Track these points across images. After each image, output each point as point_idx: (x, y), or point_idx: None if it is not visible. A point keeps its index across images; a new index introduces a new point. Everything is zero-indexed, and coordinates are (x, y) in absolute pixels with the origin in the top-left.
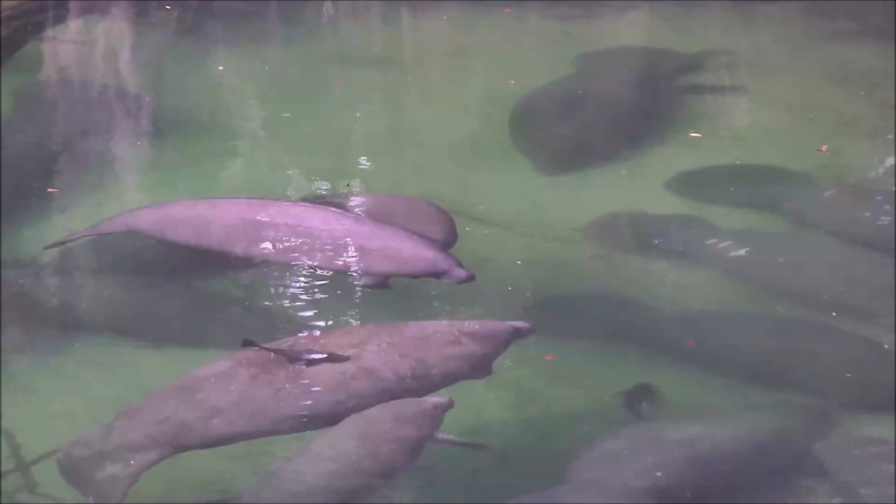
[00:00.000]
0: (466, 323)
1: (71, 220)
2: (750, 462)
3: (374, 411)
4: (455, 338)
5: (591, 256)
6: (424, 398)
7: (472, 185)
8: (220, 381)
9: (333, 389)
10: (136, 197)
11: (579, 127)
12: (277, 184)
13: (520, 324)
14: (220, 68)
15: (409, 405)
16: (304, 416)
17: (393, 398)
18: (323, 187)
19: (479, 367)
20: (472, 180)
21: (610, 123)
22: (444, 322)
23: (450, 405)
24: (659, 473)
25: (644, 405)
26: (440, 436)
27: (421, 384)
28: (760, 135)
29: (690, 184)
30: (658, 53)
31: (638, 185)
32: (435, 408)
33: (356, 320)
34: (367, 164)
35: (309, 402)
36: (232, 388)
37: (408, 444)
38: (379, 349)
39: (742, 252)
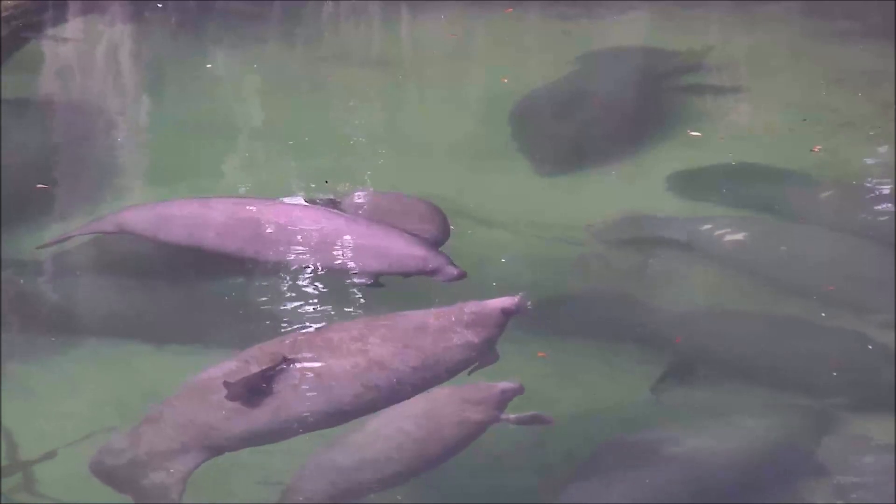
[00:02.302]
0: (452, 308)
1: (71, 222)
2: (749, 463)
3: (444, 393)
4: (448, 324)
5: (590, 256)
6: (494, 383)
7: (471, 185)
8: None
9: (350, 383)
10: (134, 197)
11: (579, 127)
12: (275, 183)
13: (505, 300)
14: (209, 66)
15: (477, 389)
16: (327, 411)
17: (408, 389)
18: (319, 187)
19: (484, 351)
20: (471, 180)
21: (609, 123)
22: (430, 310)
23: (519, 390)
24: (657, 480)
25: (677, 383)
26: (504, 416)
27: (432, 373)
28: (760, 134)
29: (690, 183)
30: (658, 53)
31: (637, 185)
32: (503, 392)
33: (350, 318)
34: (366, 164)
35: (329, 398)
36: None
37: (470, 427)
38: (382, 342)
39: (742, 251)
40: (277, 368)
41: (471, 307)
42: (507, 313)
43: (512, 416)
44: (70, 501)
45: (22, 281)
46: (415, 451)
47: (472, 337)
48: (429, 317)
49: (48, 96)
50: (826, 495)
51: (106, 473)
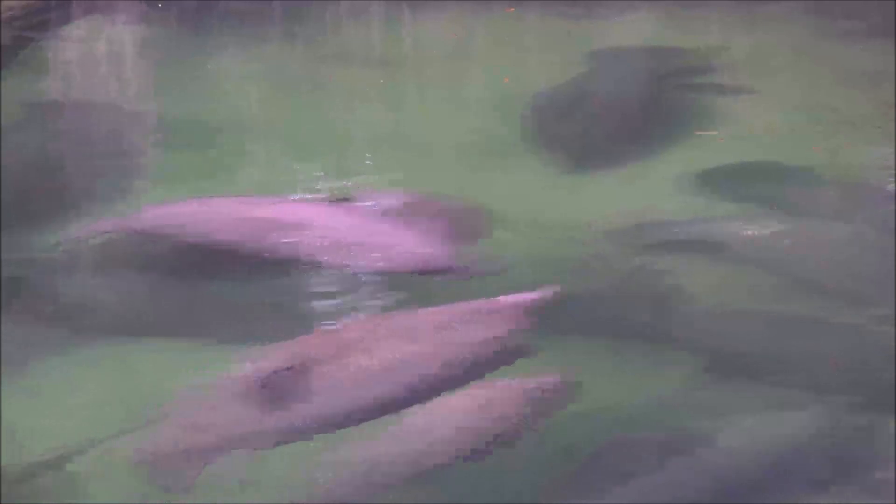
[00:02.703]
0: (475, 303)
1: (82, 221)
2: (758, 463)
3: (488, 386)
4: (474, 320)
5: (599, 255)
6: (546, 377)
7: (478, 185)
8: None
9: (381, 382)
10: (142, 197)
11: (588, 127)
12: (282, 183)
13: (530, 295)
14: (208, 66)
15: (528, 383)
16: (360, 409)
17: (437, 386)
18: (331, 186)
19: (511, 346)
20: (478, 180)
21: (618, 124)
22: (454, 305)
23: (569, 385)
24: (660, 480)
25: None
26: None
27: (461, 370)
28: (766, 133)
29: (698, 183)
30: (667, 53)
31: (646, 185)
32: (548, 386)
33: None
34: (373, 163)
35: (359, 396)
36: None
37: (522, 420)
38: (409, 339)
39: (752, 247)
40: (279, 374)
41: (495, 303)
42: (531, 308)
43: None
44: (72, 501)
45: (29, 279)
46: (460, 442)
47: (498, 332)
48: (453, 312)
49: (53, 97)
50: (855, 496)
51: (142, 465)
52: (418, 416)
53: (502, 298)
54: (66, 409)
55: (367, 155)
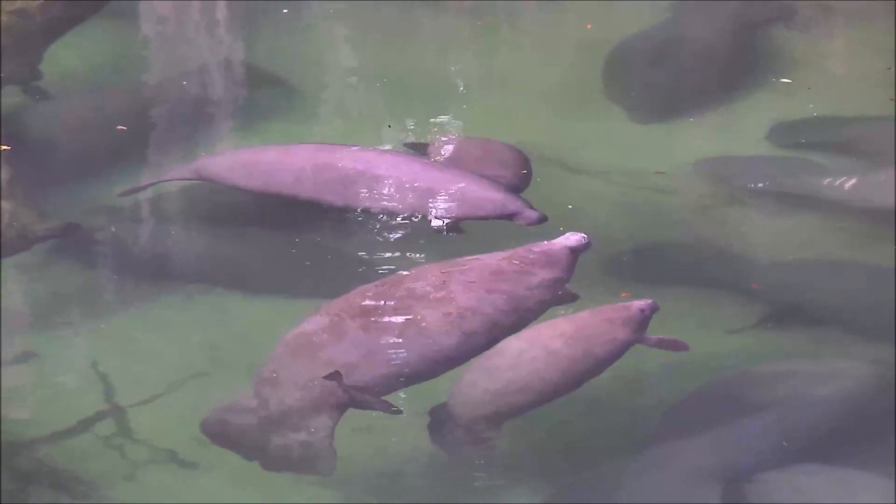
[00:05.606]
0: (520, 250)
1: (163, 168)
2: (842, 412)
3: (584, 314)
4: (522, 266)
5: (682, 204)
6: (630, 302)
7: (563, 132)
8: (337, 336)
9: (449, 332)
10: (224, 143)
11: (673, 75)
12: (368, 131)
13: (571, 238)
14: (285, 11)
15: (615, 310)
16: (436, 361)
17: (501, 333)
18: (411, 134)
19: (559, 290)
20: (563, 128)
21: (703, 71)
22: (499, 253)
23: (654, 307)
24: (747, 427)
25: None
26: (649, 337)
27: (519, 315)
28: (846, 82)
29: (785, 132)
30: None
31: (732, 134)
32: (642, 311)
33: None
34: (455, 109)
35: (433, 348)
36: (354, 341)
37: (617, 346)
38: (465, 288)
39: (842, 199)
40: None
41: (539, 247)
42: (574, 251)
43: (653, 337)
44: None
45: (114, 228)
46: (564, 369)
47: (546, 276)
48: (501, 260)
49: (140, 43)
50: None
51: (226, 437)
52: (518, 346)
53: (544, 243)
54: (153, 356)
55: (451, 103)
